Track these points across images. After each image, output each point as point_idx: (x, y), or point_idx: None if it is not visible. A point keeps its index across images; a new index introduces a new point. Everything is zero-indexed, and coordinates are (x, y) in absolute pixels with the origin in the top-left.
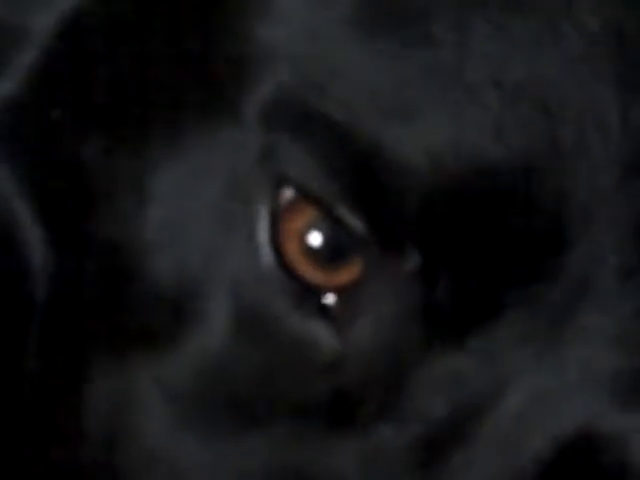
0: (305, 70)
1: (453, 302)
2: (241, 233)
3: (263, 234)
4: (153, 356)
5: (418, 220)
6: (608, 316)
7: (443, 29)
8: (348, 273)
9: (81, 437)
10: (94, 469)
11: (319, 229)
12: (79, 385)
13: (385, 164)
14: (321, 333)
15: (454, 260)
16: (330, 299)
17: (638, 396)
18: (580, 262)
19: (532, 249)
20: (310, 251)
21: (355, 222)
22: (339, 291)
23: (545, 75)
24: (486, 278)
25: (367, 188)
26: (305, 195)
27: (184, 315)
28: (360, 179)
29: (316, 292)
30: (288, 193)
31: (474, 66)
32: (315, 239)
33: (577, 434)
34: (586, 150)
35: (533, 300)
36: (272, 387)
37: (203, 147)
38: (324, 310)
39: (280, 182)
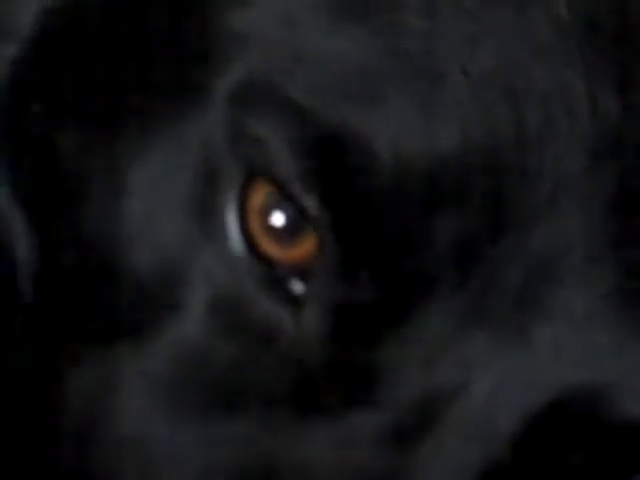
0: (274, 54)
1: (403, 287)
2: (213, 219)
3: (233, 220)
4: (135, 345)
5: (372, 205)
6: (574, 298)
7: (412, 16)
8: (303, 249)
9: (62, 425)
10: (74, 457)
11: (278, 207)
12: (62, 376)
13: (347, 148)
14: (284, 318)
15: (405, 244)
16: (296, 285)
17: (611, 372)
18: (545, 246)
19: (491, 231)
20: (270, 227)
21: (309, 201)
22: (298, 271)
23: (513, 62)
24: (438, 261)
25: (326, 170)
26: (268, 174)
27: (163, 304)
28: (320, 160)
29: (282, 277)
30: (254, 174)
31: (441, 54)
32: (276, 216)
33: (549, 406)
34: (553, 135)
35: (488, 285)
36: (243, 374)
37: (174, 135)
38: (289, 296)
39: (248, 164)
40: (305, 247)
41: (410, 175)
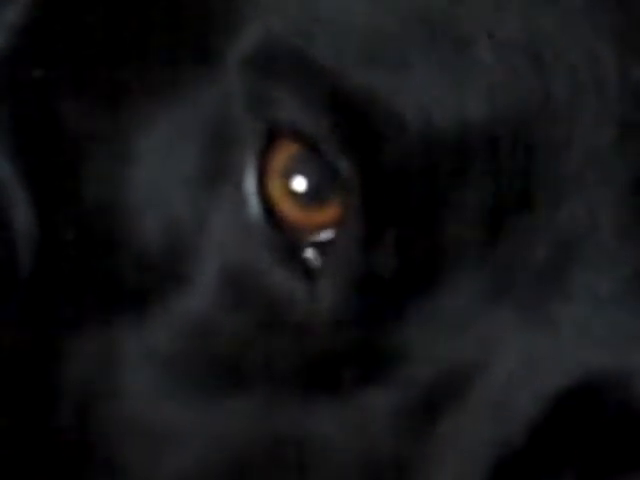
0: (293, 17)
1: (427, 260)
2: (229, 187)
3: (251, 184)
4: (138, 319)
5: (401, 171)
6: (602, 277)
7: None
8: (327, 214)
9: (62, 403)
10: (74, 436)
11: (303, 168)
12: (62, 351)
13: (375, 113)
14: (298, 291)
15: (431, 212)
16: (311, 254)
17: (636, 356)
18: (572, 221)
19: (518, 203)
20: (293, 190)
21: (341, 162)
22: (317, 242)
23: (541, 28)
24: (464, 233)
25: (356, 132)
26: (294, 132)
27: (171, 276)
28: (349, 123)
29: (299, 247)
30: (276, 136)
31: (466, 17)
32: (298, 179)
33: (572, 389)
34: (581, 106)
35: (514, 260)
36: (254, 349)
37: (187, 100)
38: (304, 266)
39: (269, 126)
40: (329, 213)
41: (438, 142)
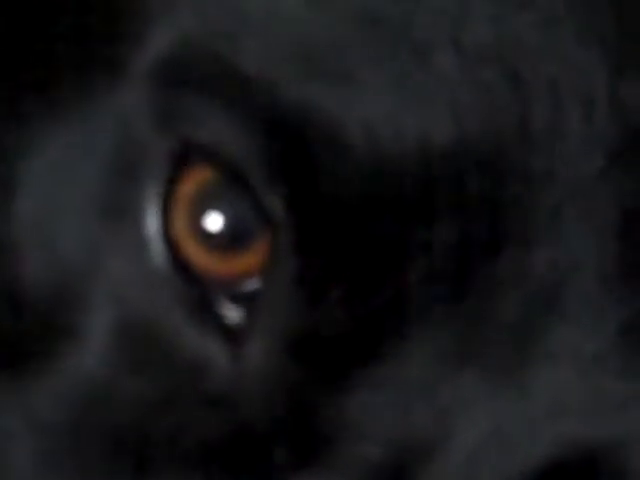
0: (213, 17)
1: (379, 317)
2: (128, 223)
3: (153, 220)
4: (20, 379)
5: (344, 208)
6: (585, 334)
7: None
8: (249, 261)
9: None
10: None
11: (219, 202)
12: None
13: (310, 134)
14: (216, 354)
15: (383, 261)
16: (231, 309)
17: (620, 428)
18: (550, 267)
19: (487, 247)
20: (203, 231)
21: (269, 194)
22: (237, 294)
23: (515, 35)
24: (423, 282)
25: (289, 157)
26: (209, 156)
27: (58, 329)
28: (281, 146)
29: (214, 300)
30: (187, 160)
31: (427, 21)
32: (213, 216)
33: (543, 467)
34: (563, 130)
35: (482, 315)
36: (160, 424)
37: (82, 120)
38: (223, 324)
39: (179, 148)
40: (252, 258)
41: (390, 171)
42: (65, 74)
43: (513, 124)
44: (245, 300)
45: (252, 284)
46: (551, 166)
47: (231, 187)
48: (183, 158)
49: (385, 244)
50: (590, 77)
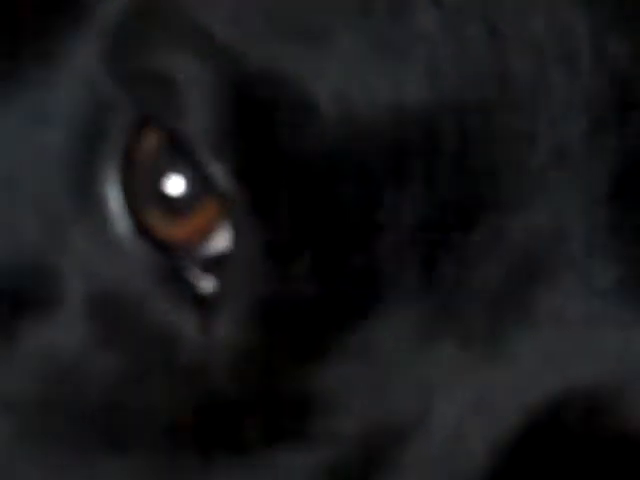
0: None
1: (353, 283)
2: (90, 192)
3: (115, 187)
4: None
5: (310, 174)
6: (571, 298)
7: None
8: (200, 221)
9: None
10: None
11: (177, 164)
12: None
13: (278, 98)
14: (186, 323)
15: (357, 226)
16: (203, 279)
17: (612, 374)
18: (532, 233)
19: (464, 213)
20: (163, 193)
21: (217, 170)
22: (209, 261)
23: None
24: (399, 248)
25: (254, 119)
26: (159, 123)
27: (26, 305)
28: (246, 108)
29: (182, 267)
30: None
31: None
32: (173, 179)
33: (529, 429)
34: (547, 90)
35: (458, 283)
36: (131, 397)
37: (41, 84)
38: (193, 292)
39: (140, 111)
40: (204, 219)
41: (361, 135)
42: (20, 35)
43: (493, 83)
44: (215, 268)
45: (214, 246)
46: (534, 127)
47: (180, 156)
48: (141, 122)
49: (354, 209)
50: (573, 32)
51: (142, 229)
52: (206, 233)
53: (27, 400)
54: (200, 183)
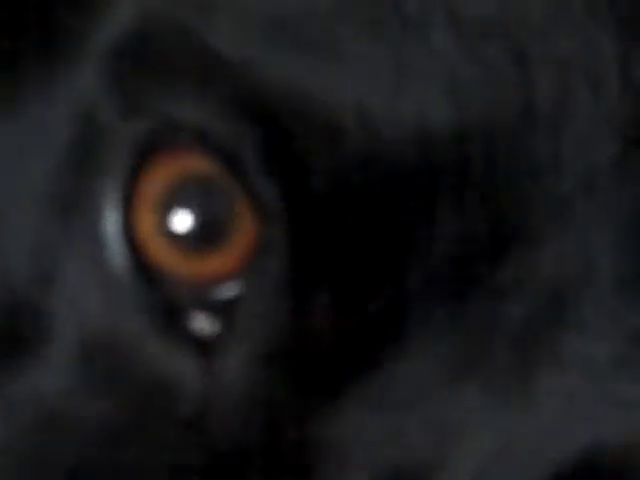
0: None
1: (374, 324)
2: (85, 222)
3: (113, 219)
4: None
5: (337, 199)
6: (599, 339)
7: None
8: (224, 261)
9: None
10: None
11: (189, 198)
12: None
13: (298, 121)
14: (185, 367)
15: (379, 260)
16: (200, 318)
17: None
18: (560, 267)
19: (491, 245)
20: (172, 230)
21: (265, 186)
22: (214, 303)
23: (520, 9)
24: (423, 285)
25: (277, 149)
26: (181, 145)
27: (11, 344)
28: (262, 130)
29: (184, 308)
30: (152, 151)
31: None
32: (182, 214)
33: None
34: (573, 113)
35: (484, 322)
36: (124, 450)
37: (35, 104)
38: (194, 336)
39: (143, 137)
40: (223, 261)
41: (388, 160)
42: (17, 53)
43: (517, 106)
44: (218, 308)
45: (225, 290)
46: (559, 152)
47: (203, 181)
48: (146, 148)
49: (380, 240)
50: (600, 54)
51: (141, 265)
52: (220, 275)
53: (12, 450)
54: (224, 216)
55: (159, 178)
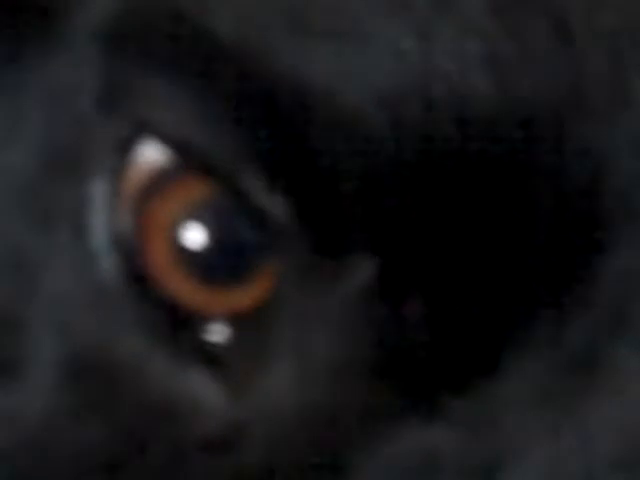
0: None
1: (427, 340)
2: (68, 229)
3: (100, 224)
4: None
5: (373, 205)
6: None
7: None
8: (251, 293)
9: None
10: None
11: (204, 219)
12: None
13: (318, 114)
14: (203, 390)
15: (431, 271)
16: (216, 332)
17: None
18: (618, 279)
19: (551, 256)
20: (187, 257)
21: (276, 205)
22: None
23: None
24: (481, 303)
25: (287, 152)
26: (187, 157)
27: None
28: (275, 137)
29: (191, 322)
30: (150, 155)
31: None
32: (196, 237)
33: None
34: (628, 96)
35: (554, 339)
36: (126, 475)
37: (8, 98)
38: (204, 351)
39: (132, 130)
40: (255, 289)
41: (422, 154)
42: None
43: (564, 89)
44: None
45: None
46: (615, 143)
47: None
48: (135, 144)
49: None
50: None
51: (135, 273)
52: (240, 310)
53: None
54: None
55: (144, 176)
